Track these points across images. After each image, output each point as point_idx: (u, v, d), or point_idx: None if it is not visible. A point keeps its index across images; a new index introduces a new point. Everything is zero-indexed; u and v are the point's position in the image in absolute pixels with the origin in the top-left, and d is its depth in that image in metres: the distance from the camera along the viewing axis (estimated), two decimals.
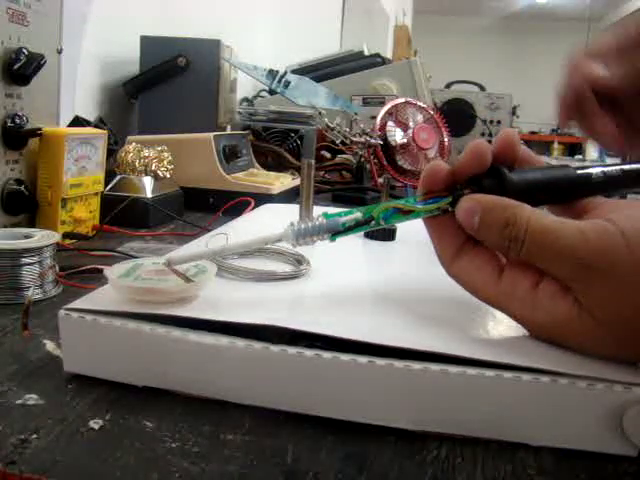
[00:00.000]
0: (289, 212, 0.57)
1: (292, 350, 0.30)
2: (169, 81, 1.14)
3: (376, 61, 1.62)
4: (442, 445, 0.29)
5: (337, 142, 0.99)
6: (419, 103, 1.08)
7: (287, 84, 1.12)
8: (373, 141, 0.99)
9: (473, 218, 0.32)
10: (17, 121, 0.58)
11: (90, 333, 0.33)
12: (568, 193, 0.35)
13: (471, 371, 0.29)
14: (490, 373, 0.29)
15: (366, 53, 1.71)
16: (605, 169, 0.35)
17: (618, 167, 0.36)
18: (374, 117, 1.05)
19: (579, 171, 0.35)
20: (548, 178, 0.34)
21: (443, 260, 0.35)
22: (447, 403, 0.30)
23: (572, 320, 0.30)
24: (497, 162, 0.34)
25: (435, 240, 0.35)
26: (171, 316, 0.32)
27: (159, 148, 0.77)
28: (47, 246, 0.46)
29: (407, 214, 0.34)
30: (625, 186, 0.37)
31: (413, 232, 0.57)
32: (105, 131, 0.70)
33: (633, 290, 0.28)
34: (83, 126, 0.75)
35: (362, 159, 1.06)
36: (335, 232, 0.34)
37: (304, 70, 1.58)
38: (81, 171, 0.63)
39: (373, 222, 0.34)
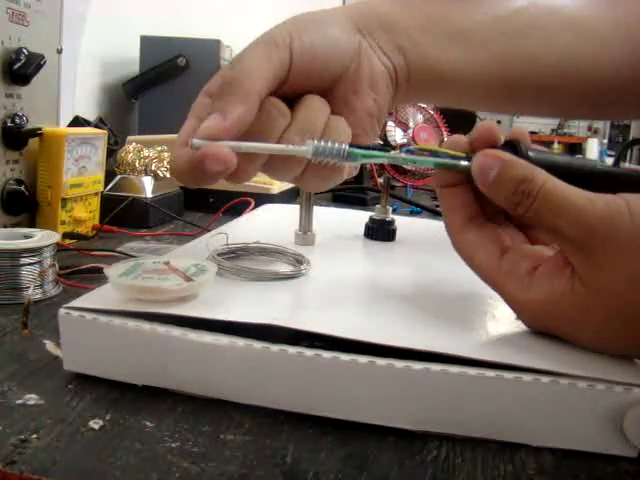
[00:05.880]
0: (289, 212, 0.57)
1: (292, 350, 0.30)
2: (169, 81, 1.14)
3: None
4: (442, 445, 0.29)
5: None
6: (419, 103, 1.08)
7: None
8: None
9: (489, 172, 0.32)
10: (17, 121, 0.58)
11: (90, 332, 0.33)
12: (580, 181, 0.36)
13: (471, 371, 0.29)
14: (491, 373, 0.29)
15: None
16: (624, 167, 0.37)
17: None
18: None
19: (598, 166, 0.36)
20: (562, 161, 0.35)
21: (450, 230, 0.36)
22: (447, 403, 0.30)
23: (565, 294, 0.31)
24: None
25: (446, 209, 0.36)
26: (171, 315, 0.32)
27: (159, 148, 0.77)
28: (47, 246, 0.46)
29: (426, 155, 0.35)
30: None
31: (413, 232, 0.57)
32: (105, 131, 0.70)
33: (629, 260, 0.29)
34: (83, 126, 0.75)
35: None
36: (355, 147, 0.35)
37: None
38: (81, 171, 0.63)
39: (392, 151, 0.35)
